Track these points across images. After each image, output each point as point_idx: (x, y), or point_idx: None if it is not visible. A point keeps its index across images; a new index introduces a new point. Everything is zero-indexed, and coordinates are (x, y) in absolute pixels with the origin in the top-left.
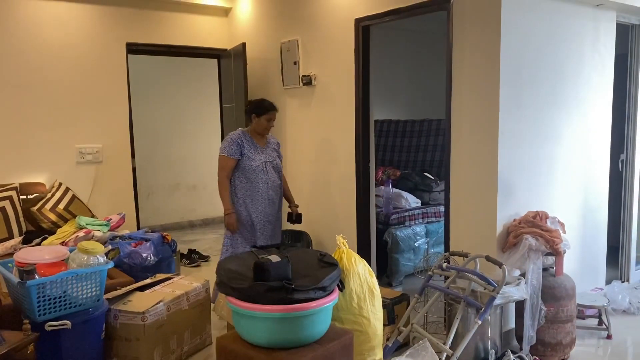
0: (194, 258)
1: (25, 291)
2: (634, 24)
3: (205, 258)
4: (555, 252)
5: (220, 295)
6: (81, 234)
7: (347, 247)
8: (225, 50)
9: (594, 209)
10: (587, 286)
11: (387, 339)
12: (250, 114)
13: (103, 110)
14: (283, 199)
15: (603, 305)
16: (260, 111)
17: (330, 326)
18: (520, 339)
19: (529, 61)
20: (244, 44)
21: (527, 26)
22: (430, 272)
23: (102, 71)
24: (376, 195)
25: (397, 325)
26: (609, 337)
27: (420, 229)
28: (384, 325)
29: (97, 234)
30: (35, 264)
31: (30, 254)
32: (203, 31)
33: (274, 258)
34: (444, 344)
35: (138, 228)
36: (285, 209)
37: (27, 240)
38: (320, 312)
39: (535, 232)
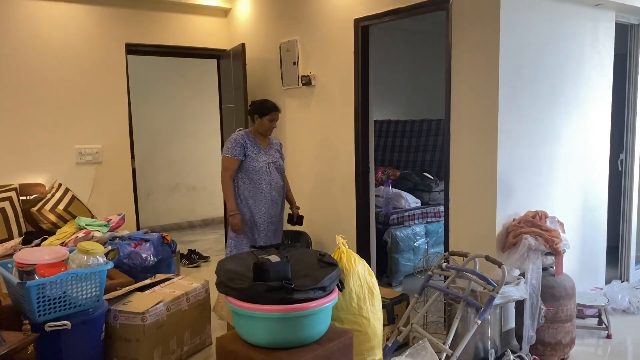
0: (193, 258)
1: (25, 292)
2: (633, 24)
3: (205, 258)
4: (554, 251)
5: (220, 295)
6: (81, 234)
7: (347, 247)
8: (224, 50)
9: (593, 209)
10: (586, 286)
11: (387, 339)
12: (252, 114)
13: (103, 111)
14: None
15: (603, 305)
16: (263, 112)
17: (330, 326)
18: (519, 338)
19: (528, 61)
20: (243, 45)
21: (526, 26)
22: (429, 272)
23: (101, 72)
24: (376, 196)
25: (397, 325)
26: (608, 336)
27: (419, 229)
28: (384, 325)
29: (97, 234)
30: (35, 265)
31: (30, 255)
32: (202, 32)
33: (274, 258)
34: (443, 343)
35: (138, 228)
36: (286, 210)
37: (26, 241)
38: (320, 312)
39: (535, 231)
